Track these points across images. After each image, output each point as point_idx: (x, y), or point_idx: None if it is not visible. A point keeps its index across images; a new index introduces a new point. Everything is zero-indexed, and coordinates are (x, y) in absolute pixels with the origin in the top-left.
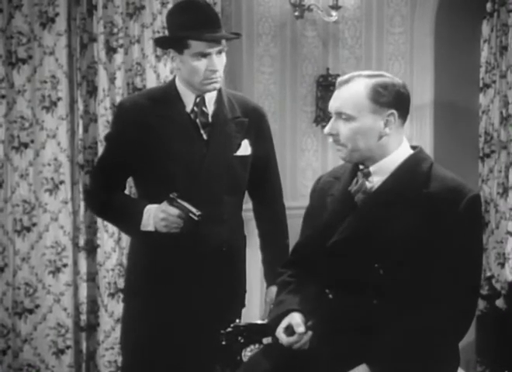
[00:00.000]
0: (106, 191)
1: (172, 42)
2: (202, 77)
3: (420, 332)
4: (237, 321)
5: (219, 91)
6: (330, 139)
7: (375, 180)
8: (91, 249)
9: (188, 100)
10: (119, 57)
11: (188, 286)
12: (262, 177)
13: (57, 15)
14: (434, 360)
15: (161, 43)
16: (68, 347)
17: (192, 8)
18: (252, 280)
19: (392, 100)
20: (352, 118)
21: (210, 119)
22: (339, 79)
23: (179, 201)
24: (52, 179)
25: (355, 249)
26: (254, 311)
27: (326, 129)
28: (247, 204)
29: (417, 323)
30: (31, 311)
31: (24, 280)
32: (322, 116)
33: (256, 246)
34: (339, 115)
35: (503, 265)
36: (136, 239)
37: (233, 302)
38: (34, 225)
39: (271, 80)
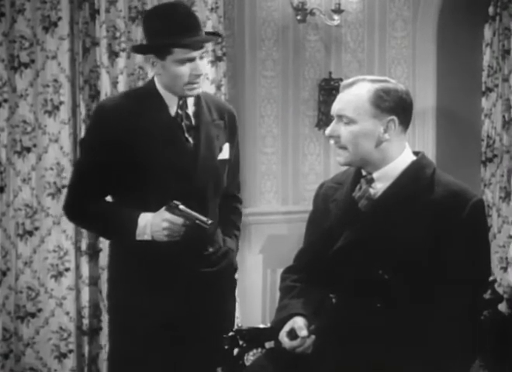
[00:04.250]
0: (91, 200)
1: (153, 48)
2: (186, 81)
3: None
4: (239, 325)
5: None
6: (332, 141)
7: (379, 187)
8: (94, 253)
9: (171, 103)
10: (121, 61)
11: (183, 290)
12: (232, 177)
13: (59, 19)
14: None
15: (141, 50)
16: (71, 351)
17: (172, 12)
18: (253, 284)
19: (394, 106)
20: (353, 121)
21: (193, 122)
22: (343, 82)
23: (182, 208)
24: (54, 183)
25: (359, 254)
26: (255, 315)
27: (327, 131)
28: (251, 209)
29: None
30: (33, 315)
31: (26, 284)
32: (324, 120)
33: (257, 249)
34: (340, 117)
35: (505, 269)
36: (125, 249)
37: (227, 296)
38: (36, 229)
39: (274, 84)
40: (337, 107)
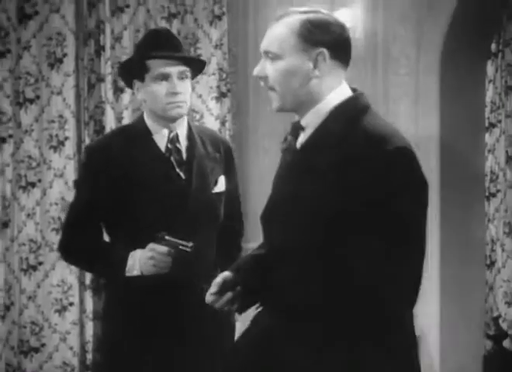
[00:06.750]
0: (84, 239)
1: (133, 70)
2: (164, 101)
3: None
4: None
5: (189, 126)
6: (262, 83)
7: (305, 135)
8: (98, 287)
9: (160, 137)
10: (126, 97)
11: (174, 330)
12: (231, 209)
13: (65, 55)
14: None
15: (124, 74)
16: None
17: (152, 33)
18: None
19: (325, 38)
20: (278, 57)
21: (185, 157)
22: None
23: (167, 237)
24: (59, 218)
25: (277, 218)
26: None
27: (254, 72)
28: (254, 244)
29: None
30: (37, 350)
31: (30, 319)
32: None
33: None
34: (266, 54)
35: (510, 304)
36: (117, 291)
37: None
38: (40, 263)
39: (277, 119)
40: (263, 43)
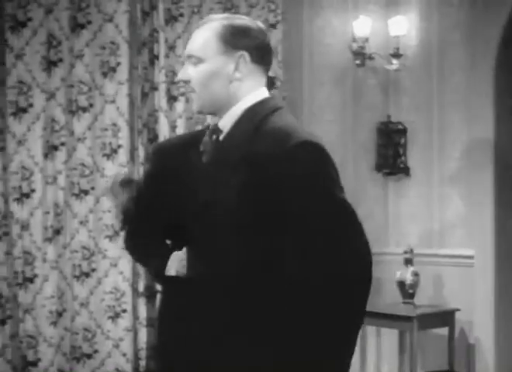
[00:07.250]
0: (141, 232)
1: None
2: None
3: None
4: None
5: None
6: (185, 87)
7: (222, 137)
8: (151, 294)
9: None
10: (180, 106)
11: None
12: None
13: (118, 64)
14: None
15: None
16: None
17: None
18: None
19: (246, 42)
20: (201, 61)
21: None
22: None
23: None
24: (112, 226)
25: (201, 220)
26: None
27: (179, 76)
28: None
29: None
30: (89, 356)
31: (82, 326)
32: (383, 164)
33: None
34: (190, 58)
35: None
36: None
37: None
38: (93, 270)
39: (332, 127)
40: (187, 48)
